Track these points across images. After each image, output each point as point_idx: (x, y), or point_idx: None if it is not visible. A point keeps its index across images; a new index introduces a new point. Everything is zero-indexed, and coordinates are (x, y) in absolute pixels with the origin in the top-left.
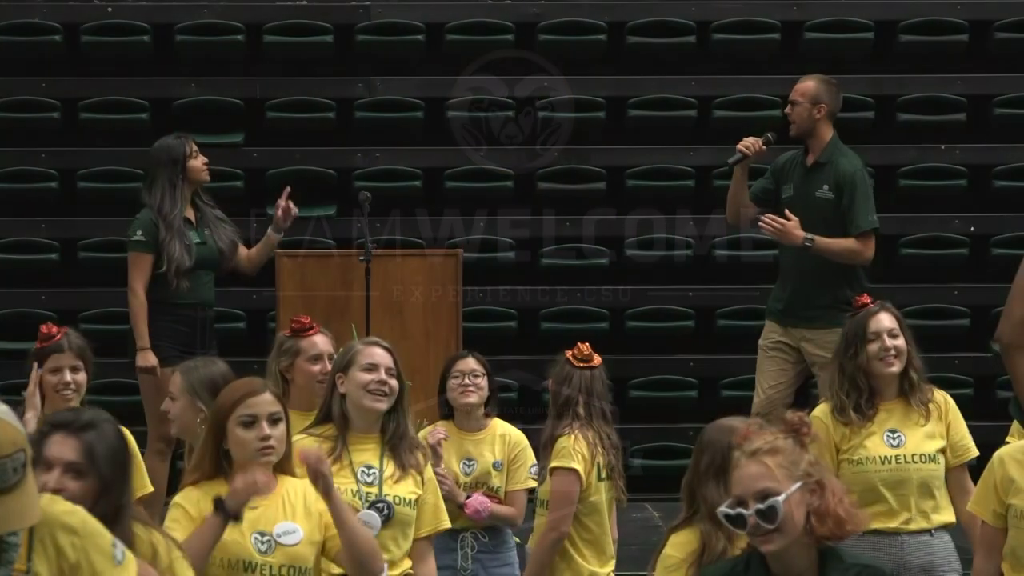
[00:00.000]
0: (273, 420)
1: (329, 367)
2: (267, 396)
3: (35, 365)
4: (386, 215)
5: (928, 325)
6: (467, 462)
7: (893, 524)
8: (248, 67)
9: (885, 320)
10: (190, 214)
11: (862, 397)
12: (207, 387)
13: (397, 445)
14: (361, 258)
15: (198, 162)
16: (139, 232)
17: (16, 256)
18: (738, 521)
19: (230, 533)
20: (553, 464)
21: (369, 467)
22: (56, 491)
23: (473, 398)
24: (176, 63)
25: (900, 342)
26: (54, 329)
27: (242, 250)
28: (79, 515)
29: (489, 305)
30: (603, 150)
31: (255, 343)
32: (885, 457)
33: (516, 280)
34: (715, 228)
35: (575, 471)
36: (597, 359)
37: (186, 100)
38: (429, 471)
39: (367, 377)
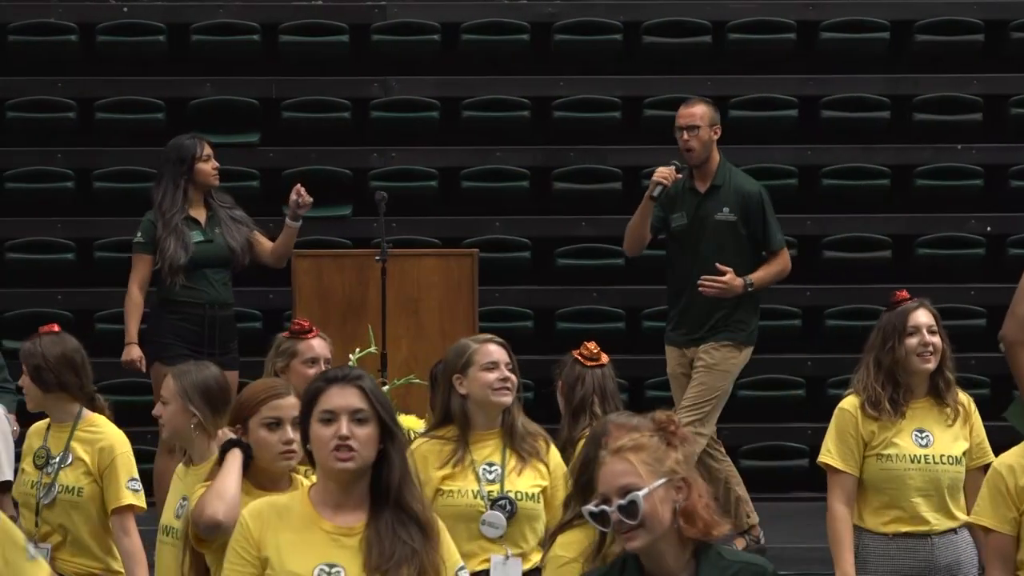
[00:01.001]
0: (296, 424)
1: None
2: (292, 399)
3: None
4: (402, 215)
5: (944, 325)
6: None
7: (924, 527)
8: (264, 67)
9: (924, 316)
10: (200, 214)
11: (897, 392)
12: (200, 391)
13: (517, 437)
14: (377, 258)
15: (207, 166)
16: (139, 234)
17: (32, 256)
18: (602, 518)
19: None
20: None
21: (491, 464)
22: None
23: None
24: (192, 63)
25: (937, 339)
26: (56, 329)
27: (265, 244)
28: None
29: (505, 305)
30: (619, 150)
31: (271, 343)
32: (915, 456)
33: (532, 280)
34: None
35: None
36: (605, 357)
37: (202, 100)
38: (555, 459)
39: (490, 376)
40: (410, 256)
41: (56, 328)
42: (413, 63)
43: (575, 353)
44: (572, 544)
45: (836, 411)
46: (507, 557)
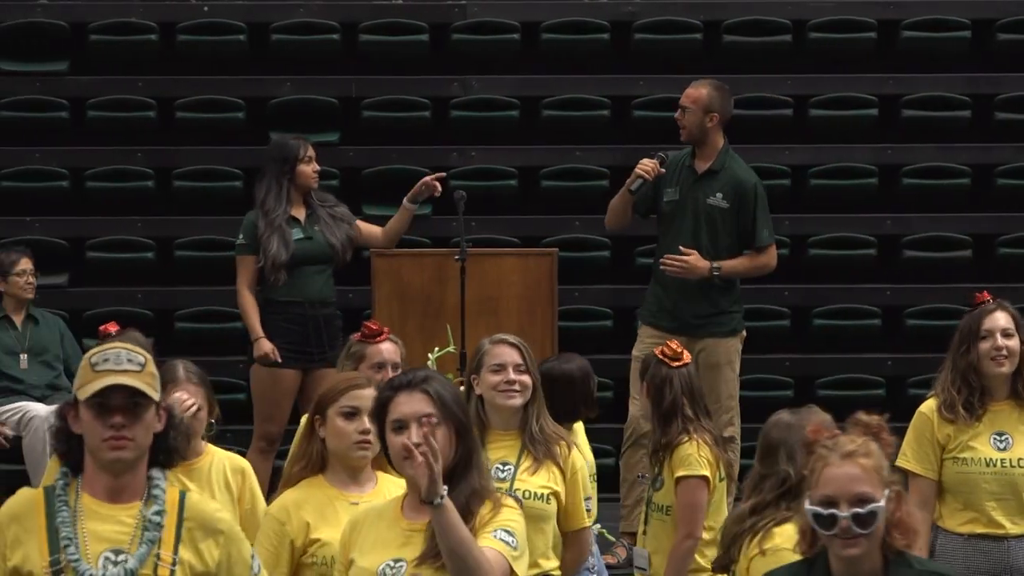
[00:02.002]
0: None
1: (391, 376)
2: (371, 391)
3: None
4: (481, 214)
5: None
6: None
7: (1000, 530)
8: (344, 66)
9: (1000, 319)
10: (300, 212)
11: (973, 395)
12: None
13: (534, 439)
14: (456, 257)
15: (308, 168)
16: (240, 236)
17: (112, 255)
18: (829, 522)
19: None
20: (680, 473)
21: (505, 463)
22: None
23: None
24: (272, 62)
25: (1013, 342)
26: (112, 329)
27: (374, 229)
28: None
29: (584, 304)
30: None
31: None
32: (991, 460)
33: (611, 279)
34: (811, 227)
35: (704, 478)
36: (687, 355)
37: (281, 99)
38: (575, 465)
39: (495, 378)
40: (489, 255)
41: (115, 328)
42: (493, 62)
43: (658, 353)
44: (792, 537)
45: (915, 414)
46: None
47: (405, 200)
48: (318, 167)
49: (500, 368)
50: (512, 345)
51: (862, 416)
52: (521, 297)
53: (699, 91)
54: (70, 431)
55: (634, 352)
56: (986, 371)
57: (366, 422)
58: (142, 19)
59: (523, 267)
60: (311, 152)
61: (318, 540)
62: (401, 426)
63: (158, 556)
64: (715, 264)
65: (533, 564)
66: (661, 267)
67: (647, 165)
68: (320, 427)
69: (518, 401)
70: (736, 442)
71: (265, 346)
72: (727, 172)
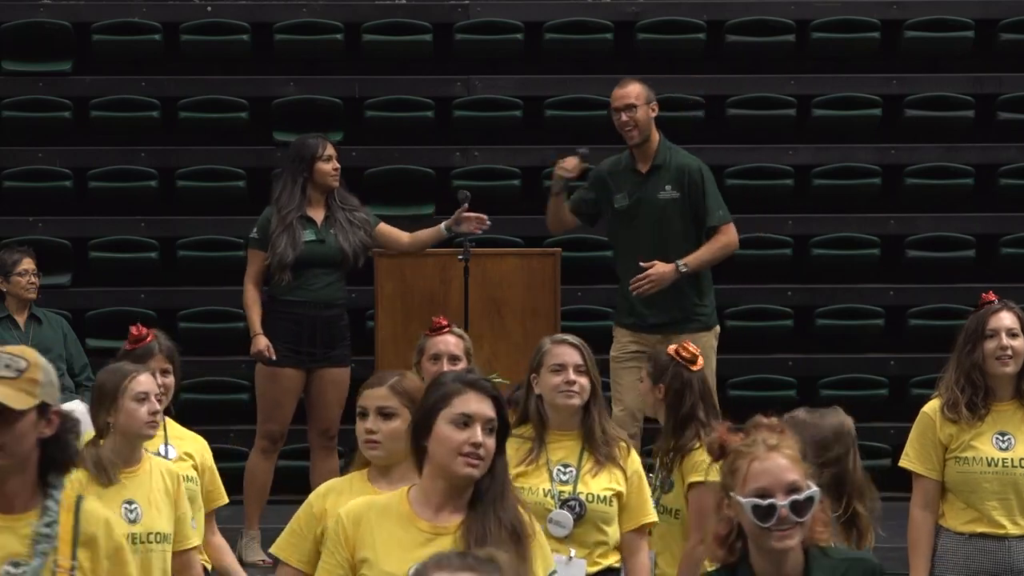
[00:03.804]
0: (383, 414)
1: (449, 368)
2: (380, 391)
3: None
4: (484, 214)
5: None
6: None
7: (1002, 530)
8: (347, 66)
9: (1006, 319)
10: (318, 213)
11: (977, 395)
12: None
13: (595, 440)
14: (460, 257)
15: (328, 166)
16: (255, 230)
17: (116, 254)
18: (767, 513)
19: None
20: (693, 479)
21: (566, 465)
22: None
23: (575, 399)
24: (275, 62)
25: (1018, 343)
26: (144, 330)
27: (399, 235)
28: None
29: (587, 304)
30: (702, 149)
31: (354, 340)
32: (992, 459)
33: (614, 279)
34: (815, 227)
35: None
36: (701, 359)
37: (285, 99)
38: (634, 464)
39: (556, 379)
40: (492, 255)
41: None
42: (496, 62)
43: (674, 355)
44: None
45: (919, 414)
46: (570, 557)
47: (443, 226)
48: (338, 165)
49: (561, 368)
50: (573, 346)
51: (762, 418)
52: (524, 297)
53: (634, 86)
54: None
55: (612, 353)
56: (991, 371)
57: (369, 422)
58: (145, 19)
59: (526, 267)
60: (330, 151)
61: None
62: (466, 423)
63: (55, 563)
64: (680, 263)
65: (593, 563)
66: (633, 293)
67: (568, 163)
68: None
69: (577, 401)
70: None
71: (260, 343)
72: (671, 163)
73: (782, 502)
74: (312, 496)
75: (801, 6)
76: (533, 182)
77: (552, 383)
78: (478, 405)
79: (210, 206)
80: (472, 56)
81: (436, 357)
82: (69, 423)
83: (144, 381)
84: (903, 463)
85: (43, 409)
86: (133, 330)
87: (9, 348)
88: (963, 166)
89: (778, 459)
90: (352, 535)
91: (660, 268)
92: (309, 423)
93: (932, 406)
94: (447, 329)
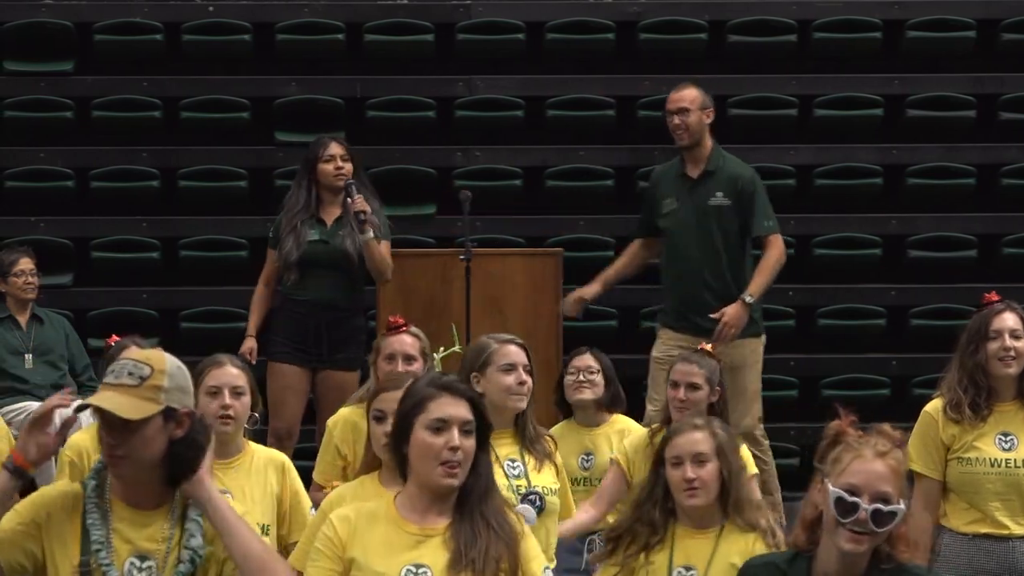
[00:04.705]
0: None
1: (403, 368)
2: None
3: None
4: (486, 214)
5: None
6: (585, 456)
7: (1005, 530)
8: (348, 66)
9: (1009, 320)
10: (330, 214)
11: (980, 395)
12: None
13: (529, 438)
14: (461, 257)
15: (329, 167)
16: (272, 229)
17: (117, 254)
18: (849, 509)
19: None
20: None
21: (513, 460)
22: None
23: (587, 394)
24: (277, 62)
25: (1022, 343)
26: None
27: (376, 254)
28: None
29: (589, 304)
30: None
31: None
32: (995, 460)
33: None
34: (816, 227)
35: (755, 475)
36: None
37: (287, 99)
38: (559, 459)
39: (507, 379)
40: (494, 255)
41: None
42: (498, 62)
43: (707, 348)
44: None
45: (920, 415)
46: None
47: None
48: (342, 165)
49: (511, 368)
50: (520, 345)
51: (887, 427)
52: (526, 297)
53: (690, 91)
54: None
55: (655, 354)
56: (994, 372)
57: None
58: (147, 19)
59: (528, 267)
60: (333, 151)
61: None
62: (440, 427)
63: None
64: (745, 296)
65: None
66: (714, 347)
67: (571, 309)
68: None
69: (525, 403)
70: (759, 439)
71: (244, 345)
72: (723, 170)
73: (866, 505)
74: (324, 504)
75: (802, 6)
76: (535, 182)
77: (504, 383)
78: (453, 408)
79: (212, 206)
80: (474, 56)
81: (391, 357)
82: (199, 424)
83: (218, 375)
84: None
85: (170, 413)
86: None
87: (136, 353)
88: (965, 166)
89: (880, 466)
90: (344, 537)
91: (731, 311)
92: (317, 424)
93: (934, 406)
94: (403, 329)
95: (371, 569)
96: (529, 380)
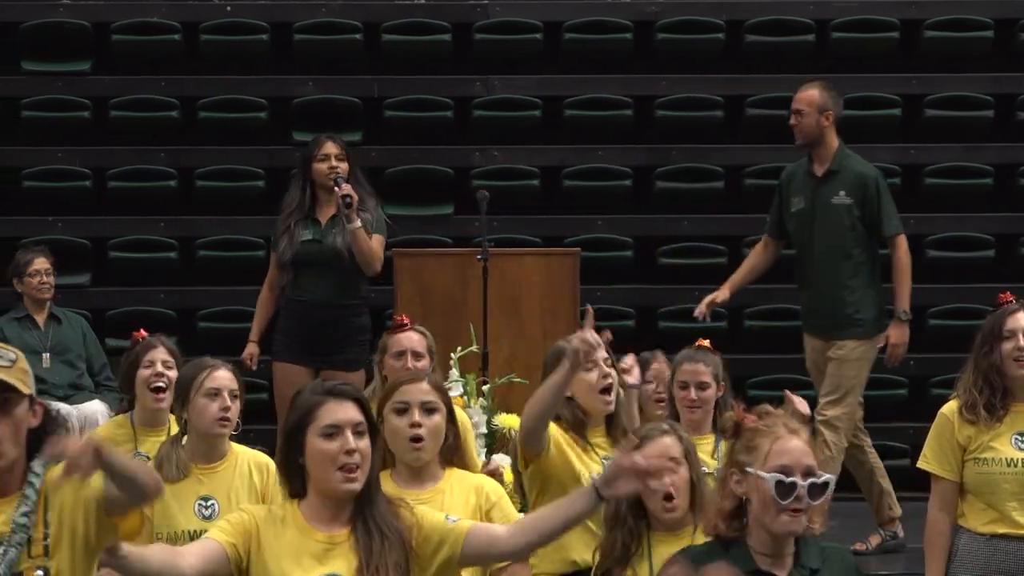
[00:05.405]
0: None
1: (411, 364)
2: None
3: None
4: (504, 214)
5: None
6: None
7: (1022, 530)
8: (366, 66)
9: (1023, 319)
10: (326, 214)
11: (995, 396)
12: None
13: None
14: (479, 257)
15: (323, 166)
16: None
17: (135, 254)
18: (788, 490)
19: None
20: None
21: (608, 459)
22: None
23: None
24: (294, 62)
25: None
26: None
27: (366, 248)
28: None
29: (607, 304)
30: (721, 148)
31: (373, 341)
32: (1012, 460)
33: (634, 279)
34: None
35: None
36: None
37: (304, 99)
38: None
39: (591, 377)
40: (512, 255)
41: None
42: (515, 62)
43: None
44: None
45: (936, 416)
46: None
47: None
48: (336, 164)
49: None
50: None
51: (770, 407)
52: (543, 297)
53: (811, 92)
54: None
55: (808, 364)
56: (1008, 372)
57: (415, 416)
58: (164, 19)
59: (545, 267)
60: (328, 150)
61: None
62: (333, 433)
63: (29, 546)
64: (900, 313)
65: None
66: (888, 361)
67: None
68: (381, 427)
69: (611, 405)
70: (837, 428)
71: (247, 350)
72: (847, 170)
73: (802, 482)
74: None
75: (820, 6)
76: (552, 182)
77: (590, 380)
78: (343, 412)
79: (229, 206)
80: (491, 56)
81: (400, 354)
82: (50, 416)
83: (218, 377)
84: (921, 464)
85: (31, 400)
86: (136, 336)
87: None
88: (982, 166)
89: (798, 442)
90: (258, 527)
91: (894, 334)
92: None
93: (950, 407)
94: (410, 327)
95: (283, 571)
96: (613, 375)
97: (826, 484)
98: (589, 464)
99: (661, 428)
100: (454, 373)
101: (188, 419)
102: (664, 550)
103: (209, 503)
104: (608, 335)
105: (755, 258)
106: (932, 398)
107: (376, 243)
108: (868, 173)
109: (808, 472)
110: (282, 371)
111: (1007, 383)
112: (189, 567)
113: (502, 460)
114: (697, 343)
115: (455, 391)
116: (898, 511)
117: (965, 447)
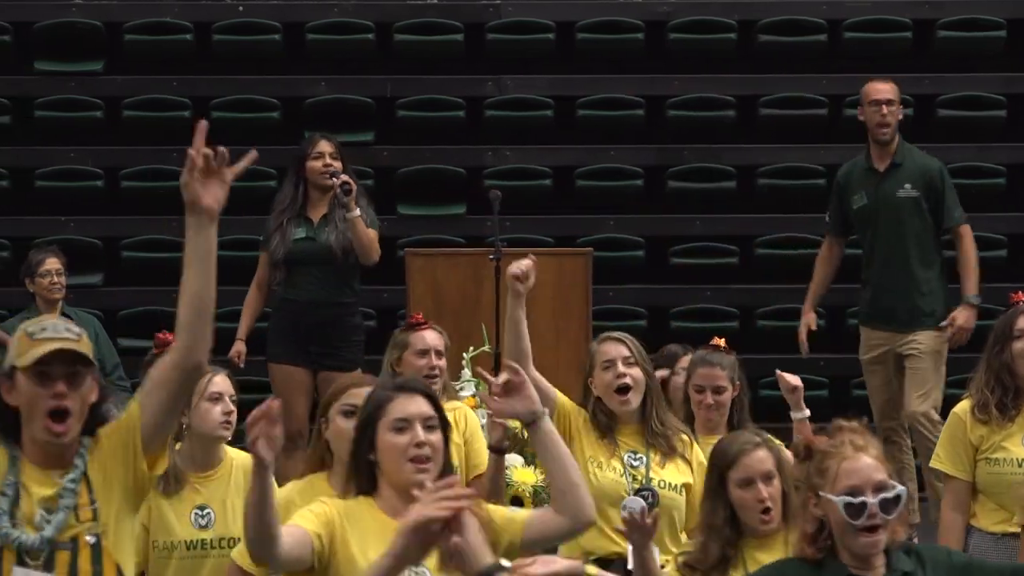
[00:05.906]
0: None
1: (435, 362)
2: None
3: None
4: (516, 214)
5: None
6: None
7: None
8: (378, 66)
9: None
10: (318, 212)
11: (1007, 395)
12: None
13: (657, 431)
14: (491, 257)
15: (317, 164)
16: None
17: (147, 254)
18: (859, 510)
19: None
20: None
21: (635, 452)
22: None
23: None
24: (307, 62)
25: None
26: (171, 337)
27: (364, 238)
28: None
29: (619, 304)
30: (733, 149)
31: (385, 341)
32: (1023, 460)
33: (646, 279)
34: None
35: None
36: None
37: (316, 99)
38: (698, 457)
39: (607, 376)
40: (524, 255)
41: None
42: (527, 62)
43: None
44: None
45: (949, 415)
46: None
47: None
48: (330, 162)
49: (610, 364)
50: (617, 340)
51: (843, 421)
52: (555, 297)
53: (891, 84)
54: (4, 404)
55: (861, 357)
56: (1020, 371)
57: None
58: (177, 19)
59: (557, 267)
60: (321, 148)
61: None
62: (403, 427)
63: (76, 511)
64: (971, 298)
65: (665, 549)
66: (955, 340)
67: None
68: (324, 428)
69: (632, 402)
70: (935, 420)
71: (234, 348)
72: (911, 162)
73: (872, 499)
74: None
75: (833, 6)
76: (565, 182)
77: (605, 380)
78: (413, 406)
79: (241, 206)
80: (503, 56)
81: (423, 352)
82: (105, 391)
83: (219, 381)
84: (933, 463)
85: (94, 375)
86: (159, 336)
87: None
88: (995, 166)
89: (866, 459)
90: (340, 517)
91: (961, 317)
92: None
93: (963, 407)
94: (429, 325)
95: (371, 559)
96: (632, 372)
97: (899, 497)
98: (601, 460)
99: (754, 441)
100: (466, 373)
101: (188, 424)
102: (757, 556)
103: (205, 512)
104: (532, 259)
105: (825, 266)
106: (945, 398)
107: (372, 238)
108: (932, 165)
109: (879, 488)
110: (280, 373)
111: (1019, 383)
112: (282, 543)
113: (514, 460)
114: (712, 342)
115: (467, 391)
116: (916, 517)
117: (977, 447)
